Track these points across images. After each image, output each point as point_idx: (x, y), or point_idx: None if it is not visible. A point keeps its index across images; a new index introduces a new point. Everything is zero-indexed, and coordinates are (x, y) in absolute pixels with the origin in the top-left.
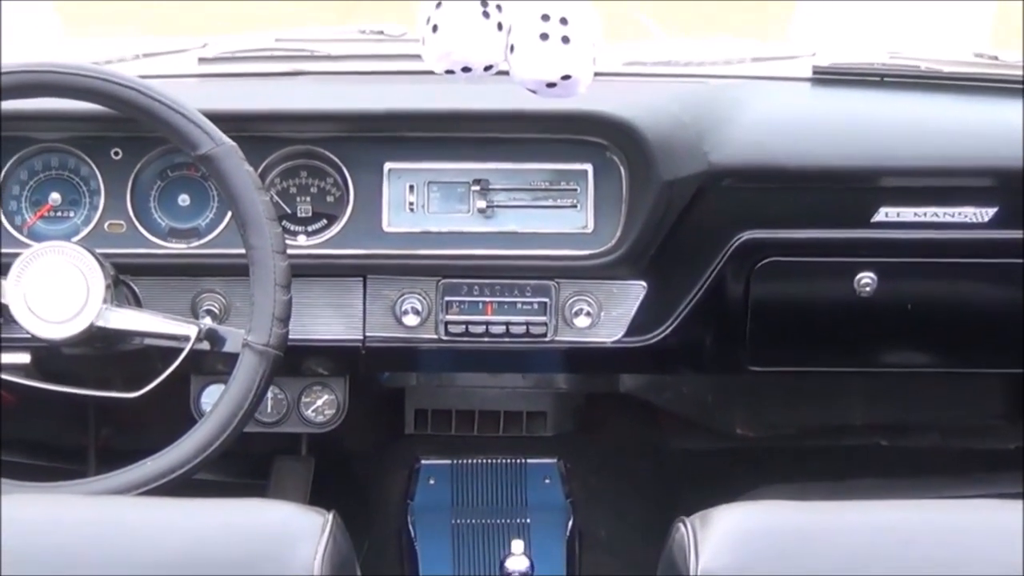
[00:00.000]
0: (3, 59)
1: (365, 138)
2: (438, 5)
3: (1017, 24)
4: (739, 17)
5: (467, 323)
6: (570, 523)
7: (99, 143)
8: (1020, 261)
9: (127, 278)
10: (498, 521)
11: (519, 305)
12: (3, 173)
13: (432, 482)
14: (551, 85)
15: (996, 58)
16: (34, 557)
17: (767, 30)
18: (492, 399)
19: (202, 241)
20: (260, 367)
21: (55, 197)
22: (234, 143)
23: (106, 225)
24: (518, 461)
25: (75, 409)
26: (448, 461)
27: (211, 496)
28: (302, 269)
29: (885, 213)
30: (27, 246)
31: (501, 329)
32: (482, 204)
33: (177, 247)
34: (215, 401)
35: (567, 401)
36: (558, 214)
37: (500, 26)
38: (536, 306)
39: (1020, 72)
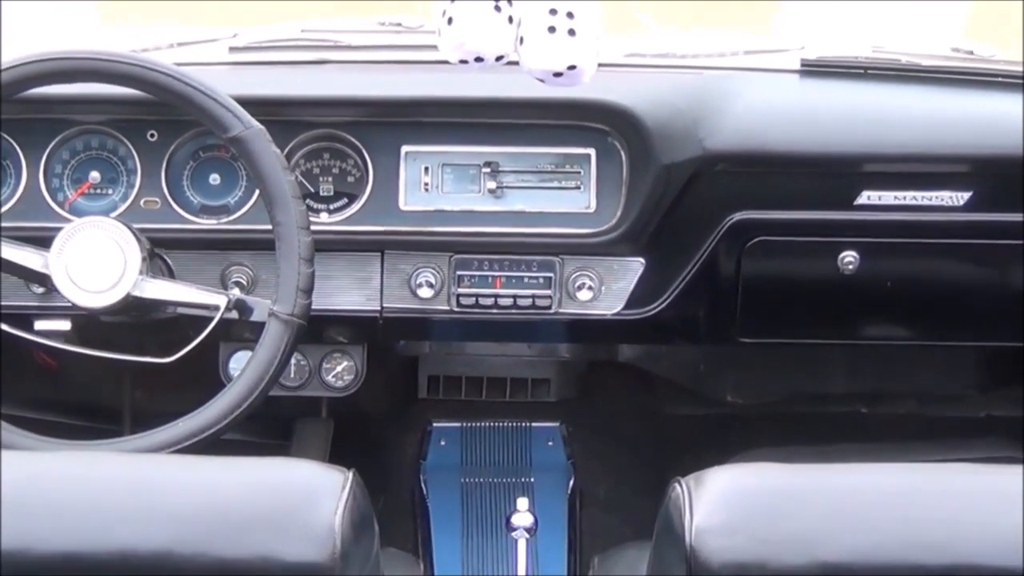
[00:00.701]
0: (3, 56)
1: (384, 123)
2: None
3: (990, 21)
4: (726, 14)
5: (477, 296)
6: (571, 482)
7: (136, 125)
8: (992, 242)
9: (161, 251)
10: (504, 480)
11: (526, 279)
12: (46, 153)
13: (443, 443)
14: (558, 75)
15: (972, 52)
16: (73, 510)
17: (752, 26)
18: (500, 367)
19: (231, 217)
20: (285, 335)
21: (95, 175)
22: (262, 126)
23: (142, 202)
24: (523, 424)
25: (111, 373)
26: (458, 424)
27: (238, 455)
28: (324, 244)
29: (867, 196)
30: (68, 221)
31: (509, 301)
32: (492, 185)
33: (208, 223)
34: (242, 367)
35: (569, 369)
36: (563, 195)
37: (511, 19)
38: (541, 280)
39: (994, 66)
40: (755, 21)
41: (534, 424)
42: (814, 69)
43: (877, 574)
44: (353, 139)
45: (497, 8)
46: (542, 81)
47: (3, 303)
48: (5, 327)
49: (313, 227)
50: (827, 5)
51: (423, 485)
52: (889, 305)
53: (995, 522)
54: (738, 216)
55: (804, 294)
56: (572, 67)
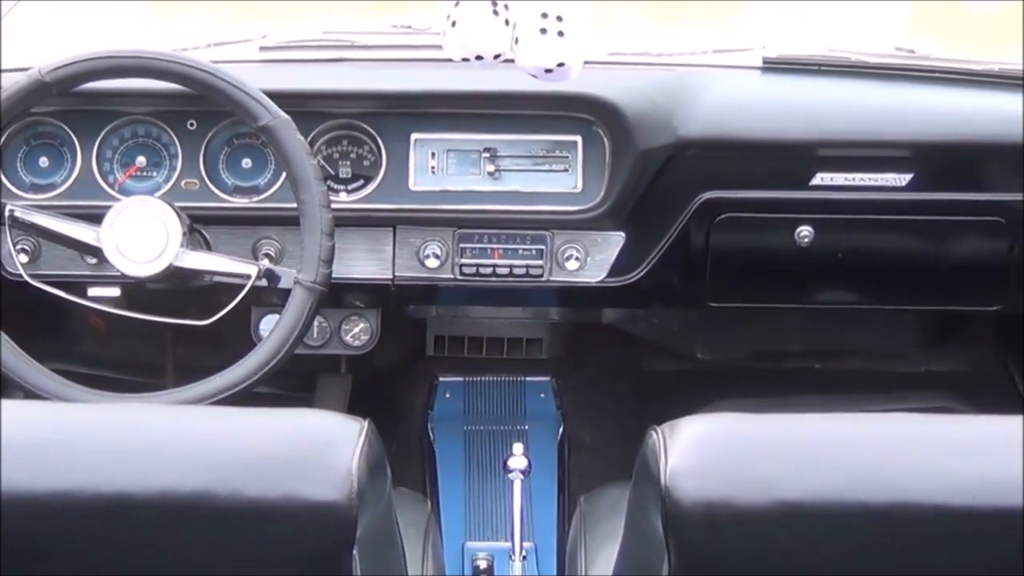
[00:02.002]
0: (3, 56)
1: (395, 113)
2: (456, 4)
3: (930, 21)
4: (697, 16)
5: (478, 265)
6: (561, 430)
7: (177, 116)
8: (930, 218)
9: (199, 227)
10: (502, 428)
11: (520, 251)
12: (98, 140)
13: (448, 396)
14: (548, 71)
15: (913, 51)
16: (120, 455)
17: (719, 26)
18: (498, 328)
19: (261, 197)
20: (308, 300)
21: (141, 160)
22: (288, 117)
23: (183, 183)
24: (518, 379)
25: (155, 334)
26: (461, 378)
27: (267, 406)
28: (343, 220)
29: (821, 178)
30: (117, 200)
31: (506, 271)
32: (491, 168)
33: (241, 202)
34: (271, 328)
35: (559, 330)
36: (553, 177)
37: (507, 22)
38: (534, 252)
39: (932, 63)
40: (722, 22)
41: (528, 378)
42: (774, 66)
43: (829, 511)
44: (368, 128)
45: (495, 12)
46: (535, 77)
47: (60, 272)
48: (63, 293)
49: (333, 205)
50: (786, 8)
51: (430, 432)
52: (840, 273)
53: (933, 464)
54: (707, 195)
55: (765, 264)
56: (561, 64)
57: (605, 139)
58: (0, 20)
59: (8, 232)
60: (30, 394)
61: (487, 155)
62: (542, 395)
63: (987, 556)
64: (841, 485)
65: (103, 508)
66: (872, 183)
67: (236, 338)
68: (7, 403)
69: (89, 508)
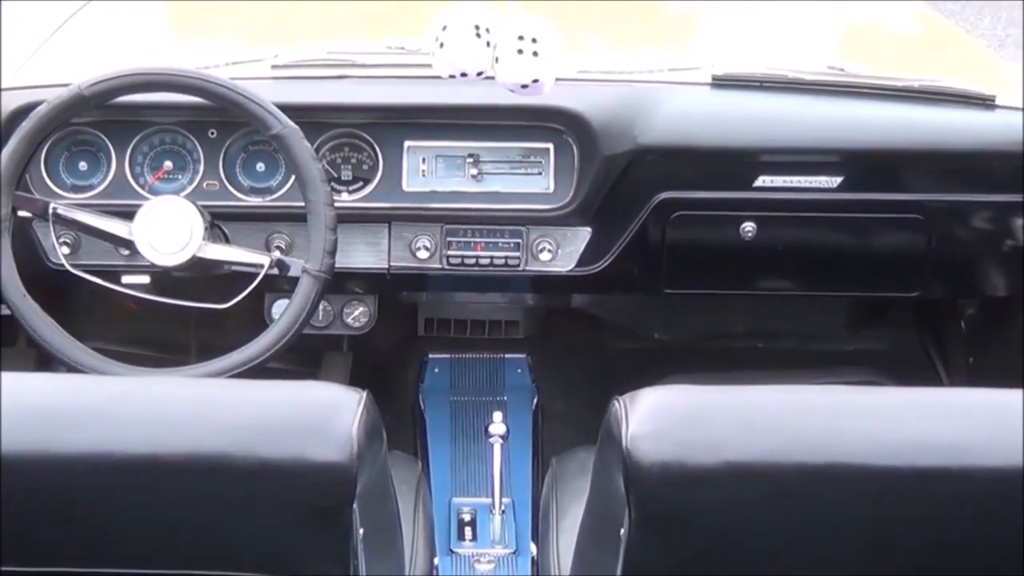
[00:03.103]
0: (3, 55)
1: (391, 123)
2: (444, 28)
3: (859, 41)
4: (654, 39)
5: (463, 257)
6: (535, 400)
7: (200, 125)
8: (858, 215)
9: (219, 222)
10: (484, 399)
11: (500, 244)
12: (131, 147)
13: (437, 371)
14: (525, 86)
15: (843, 69)
16: (149, 422)
17: (674, 47)
18: (480, 311)
19: (273, 196)
20: (314, 287)
21: (168, 164)
22: (297, 126)
23: (204, 184)
24: (498, 356)
25: (181, 316)
26: (448, 356)
27: (278, 379)
28: (345, 217)
29: (763, 180)
30: (147, 199)
31: (487, 261)
32: (474, 171)
33: (255, 201)
34: (282, 311)
35: (534, 313)
36: (528, 179)
37: (488, 44)
38: (512, 245)
39: (860, 80)
40: (676, 44)
41: (507, 355)
42: (722, 82)
43: (769, 470)
44: (367, 136)
45: (478, 35)
46: (512, 91)
47: (97, 263)
48: (99, 281)
49: (336, 204)
50: (732, 32)
51: (421, 403)
52: (780, 264)
53: (860, 429)
54: (663, 195)
55: (714, 256)
56: (536, 81)
57: (574, 146)
58: (0, 25)
59: (52, 227)
60: (72, 369)
61: (471, 160)
62: (519, 370)
63: (905, 508)
64: (780, 448)
65: (134, 467)
66: (807, 185)
67: (251, 320)
68: (52, 376)
69: (122, 467)
